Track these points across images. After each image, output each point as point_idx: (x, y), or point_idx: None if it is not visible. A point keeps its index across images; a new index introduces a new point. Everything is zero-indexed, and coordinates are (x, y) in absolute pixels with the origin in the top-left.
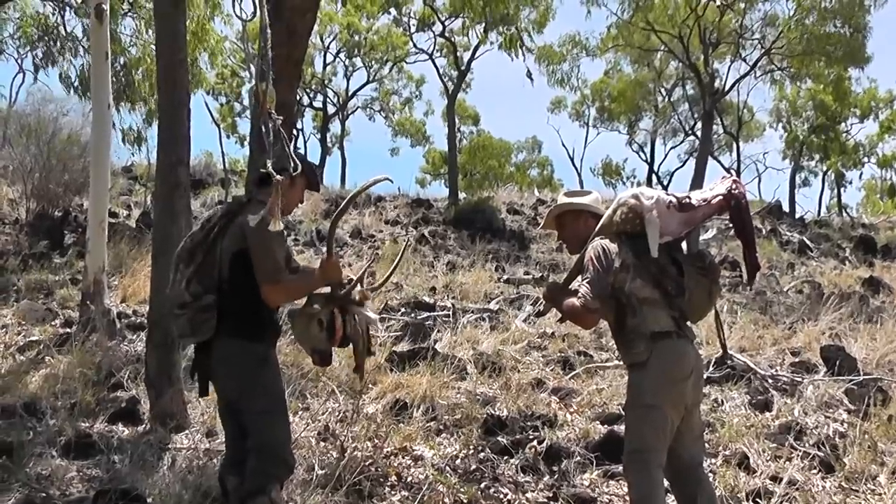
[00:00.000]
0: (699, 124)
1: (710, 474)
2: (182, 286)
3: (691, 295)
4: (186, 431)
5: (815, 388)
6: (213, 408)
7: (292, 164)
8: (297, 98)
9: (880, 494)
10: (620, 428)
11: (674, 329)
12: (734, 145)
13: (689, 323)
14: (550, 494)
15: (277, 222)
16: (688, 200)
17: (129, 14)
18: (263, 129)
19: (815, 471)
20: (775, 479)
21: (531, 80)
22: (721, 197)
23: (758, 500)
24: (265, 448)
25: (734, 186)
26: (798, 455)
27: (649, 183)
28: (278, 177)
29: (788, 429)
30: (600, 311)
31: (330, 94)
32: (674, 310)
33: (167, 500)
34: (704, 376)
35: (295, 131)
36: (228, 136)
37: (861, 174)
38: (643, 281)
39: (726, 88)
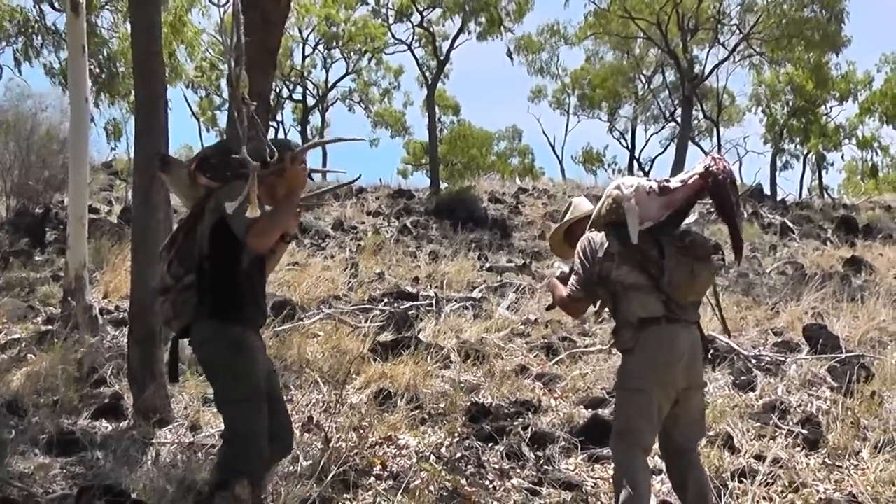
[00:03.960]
0: (679, 110)
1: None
2: (164, 269)
3: (671, 275)
4: (170, 426)
5: (799, 366)
6: (197, 401)
7: (269, 151)
8: (277, 90)
9: (863, 469)
10: (604, 412)
11: (663, 314)
12: (714, 130)
13: (691, 304)
14: (536, 480)
15: (255, 209)
16: (666, 184)
17: (106, 6)
18: (237, 116)
19: (798, 448)
20: (759, 457)
21: (511, 59)
22: (697, 175)
23: (742, 479)
24: (235, 440)
25: (712, 163)
26: (782, 433)
27: (630, 169)
28: (255, 163)
29: (772, 408)
30: (585, 301)
31: (309, 86)
32: (662, 293)
33: (151, 495)
34: (702, 363)
35: (274, 123)
36: (208, 130)
37: (842, 156)
38: (629, 267)
39: (705, 74)
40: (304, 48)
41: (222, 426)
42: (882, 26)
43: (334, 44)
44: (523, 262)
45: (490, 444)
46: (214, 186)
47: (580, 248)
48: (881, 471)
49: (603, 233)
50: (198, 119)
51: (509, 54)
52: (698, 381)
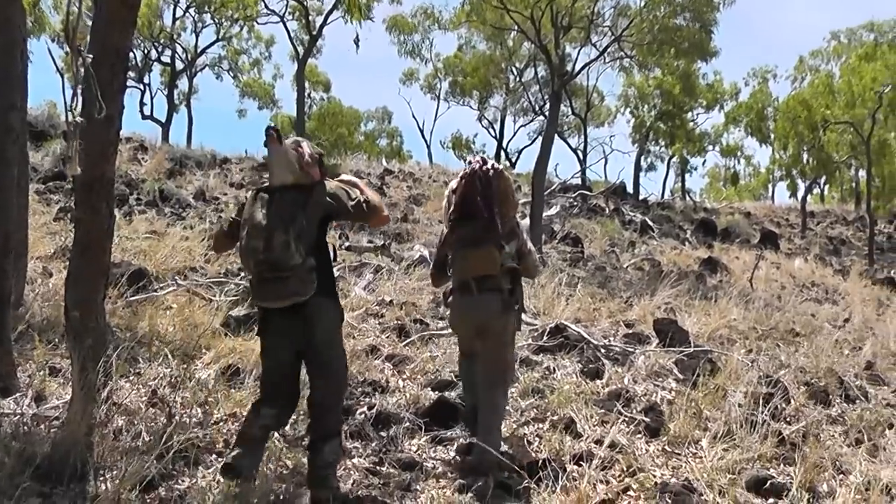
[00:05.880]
0: (548, 105)
1: (536, 438)
2: (292, 248)
3: (452, 257)
4: (14, 396)
5: (647, 358)
6: (43, 372)
7: (98, 107)
8: (145, 51)
9: (701, 457)
10: (451, 394)
11: (457, 287)
12: (582, 127)
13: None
14: (377, 460)
15: (75, 167)
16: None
17: None
18: (74, 69)
19: (639, 435)
20: (600, 442)
21: (357, 45)
22: (457, 178)
23: (581, 462)
24: (336, 419)
25: (466, 168)
26: (624, 420)
27: (497, 159)
28: (79, 118)
29: (617, 396)
30: (436, 276)
31: (179, 49)
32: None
33: None
34: (496, 318)
35: (140, 85)
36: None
37: (705, 161)
38: (453, 252)
39: (575, 71)
40: (174, 10)
41: (66, 397)
42: (750, 41)
43: (206, 8)
44: (383, 243)
45: None
46: (317, 181)
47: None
48: (718, 459)
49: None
50: (62, 75)
51: (356, 41)
52: (487, 334)
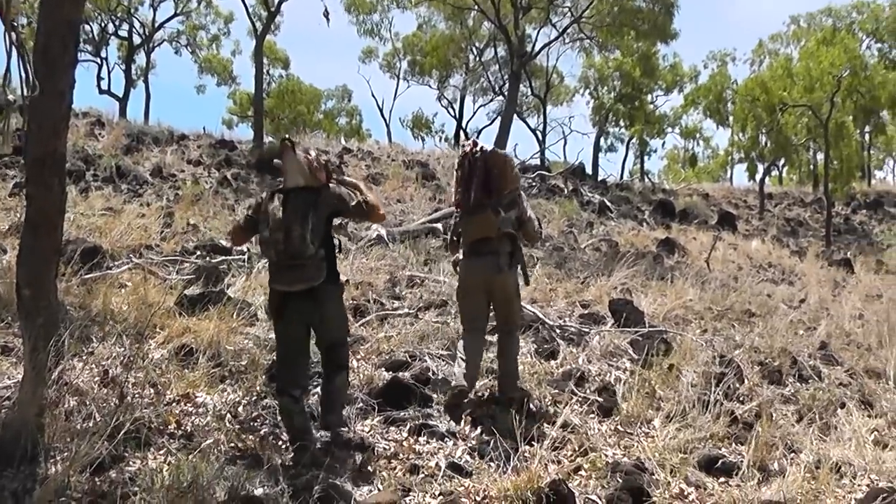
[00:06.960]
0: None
1: (489, 419)
2: (308, 241)
3: (461, 227)
4: None
5: (602, 338)
6: None
7: (32, 87)
8: (102, 25)
9: (653, 437)
10: (404, 374)
11: (465, 252)
12: (542, 108)
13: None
14: (329, 440)
15: (7, 146)
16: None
17: None
18: (6, 45)
19: (592, 415)
20: (552, 422)
21: (327, 19)
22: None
23: (533, 443)
24: (345, 346)
25: (461, 151)
26: (578, 400)
27: (457, 139)
28: (12, 97)
29: (570, 375)
30: (451, 246)
31: (136, 24)
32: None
33: None
34: (496, 277)
35: (98, 59)
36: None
37: (664, 143)
38: (463, 225)
39: (535, 52)
40: None
41: (18, 376)
42: (710, 25)
43: None
44: (339, 222)
45: None
46: (323, 183)
47: None
48: (670, 438)
49: None
50: (16, 47)
51: (325, 14)
52: (498, 292)
